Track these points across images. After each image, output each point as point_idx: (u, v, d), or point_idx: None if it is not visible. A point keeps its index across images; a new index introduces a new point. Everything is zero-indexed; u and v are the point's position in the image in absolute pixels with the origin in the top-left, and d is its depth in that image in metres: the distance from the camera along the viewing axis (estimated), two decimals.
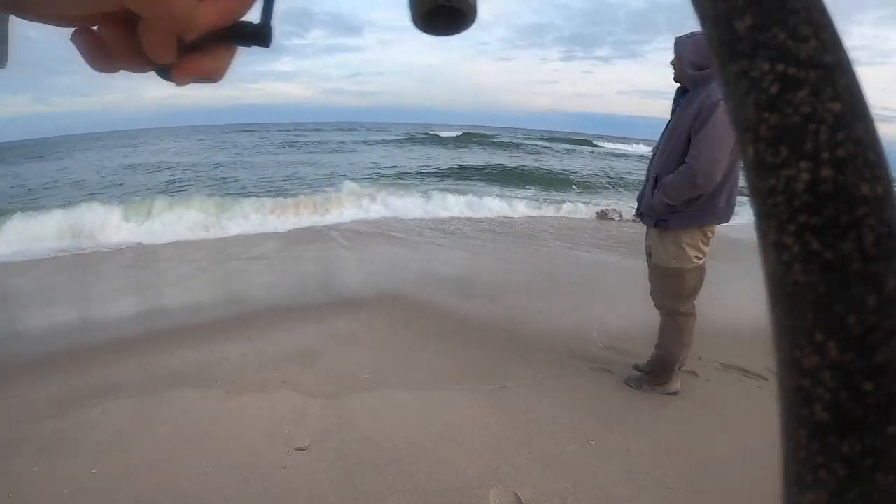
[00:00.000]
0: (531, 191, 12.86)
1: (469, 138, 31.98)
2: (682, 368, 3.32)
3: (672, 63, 2.92)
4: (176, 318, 4.34)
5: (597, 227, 8.61)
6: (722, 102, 2.25)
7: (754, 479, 2.30)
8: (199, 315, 4.41)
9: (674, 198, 2.79)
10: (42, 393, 3.12)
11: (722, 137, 2.62)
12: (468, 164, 18.92)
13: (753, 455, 2.56)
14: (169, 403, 2.99)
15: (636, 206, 3.19)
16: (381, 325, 4.21)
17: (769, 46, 0.16)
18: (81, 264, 6.22)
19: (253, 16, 0.35)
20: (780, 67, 0.16)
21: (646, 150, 32.29)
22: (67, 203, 9.28)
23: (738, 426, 2.91)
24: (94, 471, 2.43)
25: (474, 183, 13.73)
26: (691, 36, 2.79)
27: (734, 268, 4.86)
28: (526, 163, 21.13)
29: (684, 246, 2.89)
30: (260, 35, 0.35)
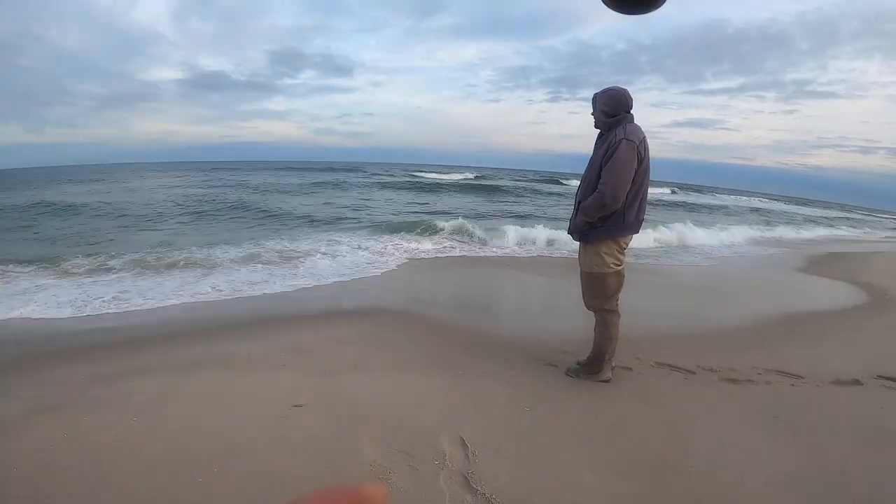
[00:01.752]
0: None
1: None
2: (618, 364, 4.09)
3: (592, 113, 3.74)
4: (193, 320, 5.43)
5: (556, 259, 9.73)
6: (625, 141, 3.12)
7: (667, 450, 3.08)
8: (215, 319, 5.54)
9: (591, 216, 3.59)
10: (86, 371, 3.99)
11: (623, 168, 3.44)
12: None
13: (669, 429, 3.35)
14: (192, 379, 3.82)
15: (568, 227, 3.97)
16: (370, 330, 5.21)
17: None
18: None
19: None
20: None
21: None
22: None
23: (661, 408, 3.64)
24: (134, 419, 3.24)
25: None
26: (604, 91, 3.64)
27: (672, 285, 5.63)
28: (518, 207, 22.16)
29: (603, 255, 3.68)
30: None
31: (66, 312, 5.78)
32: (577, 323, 4.86)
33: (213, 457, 2.83)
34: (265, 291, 6.78)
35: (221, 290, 6.71)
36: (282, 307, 6.13)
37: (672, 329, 5.48)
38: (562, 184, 42.73)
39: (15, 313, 5.70)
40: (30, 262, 8.30)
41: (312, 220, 15.44)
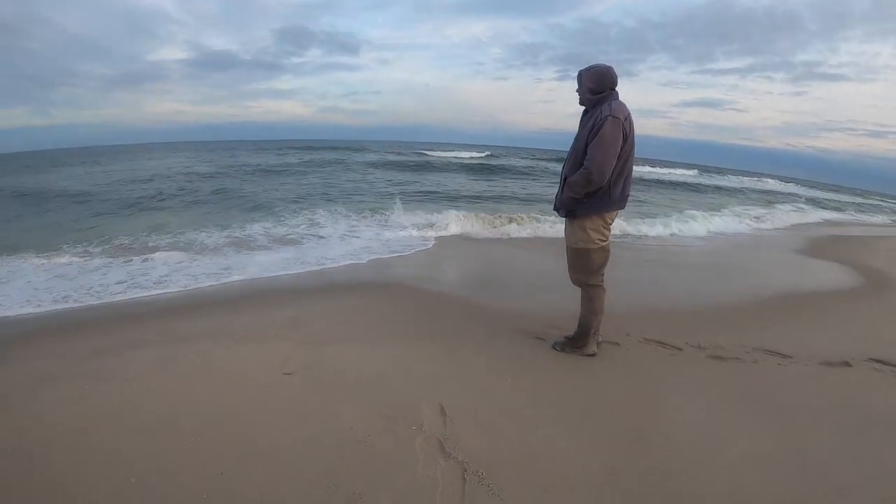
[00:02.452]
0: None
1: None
2: (605, 339, 4.17)
3: (577, 91, 3.77)
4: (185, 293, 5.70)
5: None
6: (610, 118, 3.16)
7: (643, 423, 3.17)
8: (206, 293, 5.82)
9: (577, 192, 3.65)
10: (86, 346, 4.16)
11: (608, 145, 3.49)
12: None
13: (649, 404, 3.44)
14: (187, 350, 4.01)
15: (553, 203, 4.02)
16: (359, 304, 5.40)
17: None
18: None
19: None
20: None
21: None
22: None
23: (644, 383, 3.73)
24: (134, 386, 3.42)
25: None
26: (589, 69, 3.68)
27: (664, 265, 5.68)
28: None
29: (588, 230, 3.75)
30: None
31: (63, 293, 5.87)
32: (566, 299, 4.92)
33: (203, 422, 3.00)
34: (262, 273, 6.86)
35: (222, 272, 6.79)
36: (274, 284, 6.27)
37: (665, 306, 5.54)
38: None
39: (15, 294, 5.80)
40: (30, 246, 8.38)
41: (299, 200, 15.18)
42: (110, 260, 7.41)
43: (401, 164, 31.33)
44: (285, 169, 26.27)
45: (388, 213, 11.80)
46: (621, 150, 3.54)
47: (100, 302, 5.51)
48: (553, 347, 4.15)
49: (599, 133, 3.51)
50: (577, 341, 4.06)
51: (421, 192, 18.55)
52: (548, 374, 3.75)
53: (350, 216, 11.59)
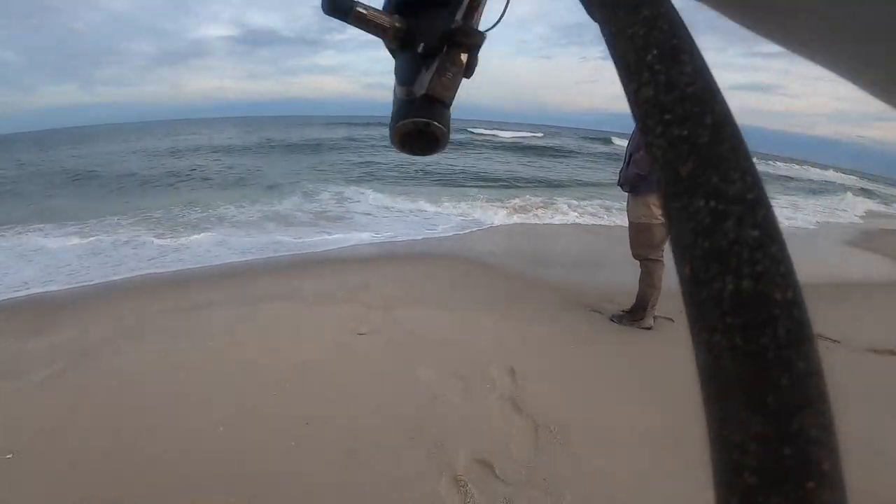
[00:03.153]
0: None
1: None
2: (661, 315, 4.27)
3: None
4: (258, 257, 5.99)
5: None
6: None
7: (691, 397, 3.22)
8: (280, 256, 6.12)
9: (642, 169, 3.77)
10: (158, 306, 4.41)
11: None
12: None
13: (695, 377, 3.46)
14: (262, 310, 4.25)
15: (618, 179, 4.14)
16: (425, 272, 5.63)
17: (705, 187, 0.20)
18: None
19: None
20: (712, 203, 0.19)
21: None
22: None
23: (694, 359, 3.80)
24: (210, 344, 3.66)
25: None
26: None
27: None
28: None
29: (651, 206, 3.87)
30: None
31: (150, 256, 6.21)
32: (616, 276, 5.05)
33: (286, 374, 3.21)
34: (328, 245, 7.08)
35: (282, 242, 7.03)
36: (344, 253, 6.51)
37: None
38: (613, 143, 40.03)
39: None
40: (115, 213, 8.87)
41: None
42: (168, 231, 7.71)
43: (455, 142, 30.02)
44: (334, 144, 26.80)
45: (448, 197, 11.78)
46: None
47: (165, 270, 5.75)
48: (611, 319, 4.29)
49: None
50: (635, 314, 4.18)
51: (478, 172, 18.38)
52: (607, 343, 3.90)
53: (402, 196, 11.75)
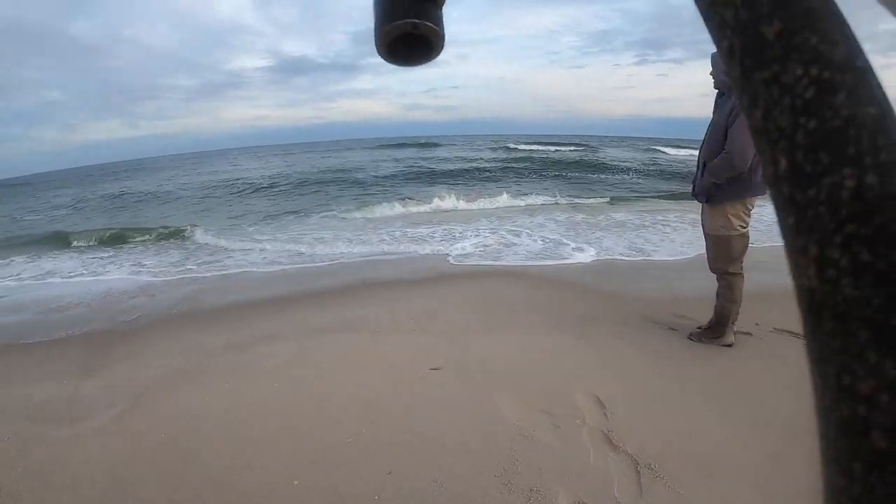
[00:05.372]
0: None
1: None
2: (738, 329, 4.02)
3: (711, 74, 3.67)
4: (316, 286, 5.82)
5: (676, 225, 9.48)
6: None
7: (796, 413, 2.98)
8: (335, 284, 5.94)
9: (718, 177, 3.58)
10: (218, 338, 4.27)
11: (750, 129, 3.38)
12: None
13: (796, 395, 3.25)
14: (325, 343, 4.09)
15: (692, 189, 3.91)
16: (485, 293, 5.40)
17: (802, 50, 0.16)
18: None
19: None
20: (815, 71, 0.16)
21: None
22: None
23: (785, 375, 3.58)
24: (275, 384, 3.47)
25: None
26: None
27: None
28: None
29: (729, 216, 3.66)
30: None
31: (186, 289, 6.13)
32: (693, 289, 4.80)
33: (360, 418, 3.04)
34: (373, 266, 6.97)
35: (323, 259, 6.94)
36: (388, 273, 6.35)
37: (787, 288, 5.27)
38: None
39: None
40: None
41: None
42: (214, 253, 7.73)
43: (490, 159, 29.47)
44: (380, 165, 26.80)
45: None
46: None
47: (224, 297, 5.67)
48: (689, 338, 4.06)
49: (740, 117, 3.45)
50: (714, 331, 3.96)
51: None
52: (690, 363, 3.69)
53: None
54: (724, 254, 3.79)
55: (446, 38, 0.36)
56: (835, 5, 0.17)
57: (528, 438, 2.78)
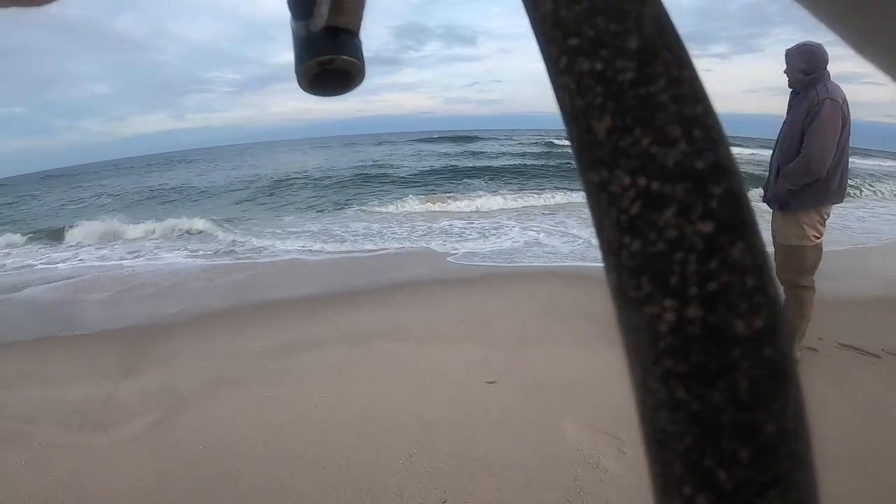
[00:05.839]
0: None
1: None
2: (804, 344, 3.75)
3: (785, 72, 3.43)
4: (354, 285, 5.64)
5: None
6: (828, 101, 2.83)
7: (858, 439, 2.82)
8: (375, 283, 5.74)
9: (794, 183, 3.34)
10: (256, 344, 4.09)
11: (829, 131, 3.22)
12: None
13: (868, 418, 3.09)
14: (371, 352, 3.88)
15: (763, 194, 3.67)
16: (542, 297, 5.10)
17: (630, 154, 0.15)
18: None
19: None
20: (643, 181, 0.14)
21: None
22: None
23: (849, 393, 3.37)
24: (320, 395, 3.28)
25: None
26: (798, 47, 3.38)
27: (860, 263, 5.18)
28: None
29: (803, 225, 3.42)
30: None
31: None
32: None
33: (412, 436, 2.84)
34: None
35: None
36: (428, 272, 6.16)
37: (856, 308, 4.93)
38: None
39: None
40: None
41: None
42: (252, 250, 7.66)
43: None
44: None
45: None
46: (840, 136, 3.25)
47: (263, 294, 5.54)
48: None
49: (818, 118, 3.23)
50: None
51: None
52: None
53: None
54: (796, 265, 3.54)
55: (366, 67, 0.37)
56: (683, 86, 0.15)
57: (592, 466, 2.57)
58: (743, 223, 0.14)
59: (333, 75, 0.36)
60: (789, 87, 3.52)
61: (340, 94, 0.39)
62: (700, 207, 0.14)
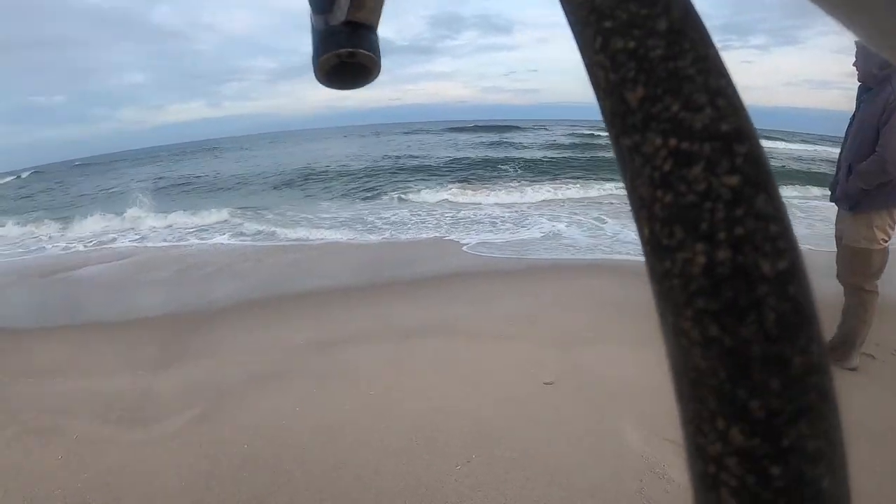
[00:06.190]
0: None
1: None
2: (862, 350, 3.59)
3: (854, 65, 3.25)
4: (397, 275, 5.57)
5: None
6: None
7: None
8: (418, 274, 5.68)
9: (868, 183, 3.18)
10: (300, 336, 3.98)
11: None
12: None
13: None
14: (421, 349, 3.74)
15: (831, 193, 3.51)
16: (594, 293, 4.96)
17: (661, 119, 0.16)
18: None
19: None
20: (673, 142, 0.16)
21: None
22: None
23: None
24: (370, 393, 3.15)
25: None
26: None
27: None
28: None
29: (874, 228, 3.28)
30: None
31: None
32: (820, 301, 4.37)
33: (467, 443, 2.70)
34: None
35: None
36: (472, 262, 6.03)
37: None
38: None
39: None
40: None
41: None
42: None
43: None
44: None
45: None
46: None
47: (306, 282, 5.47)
48: None
49: (894, 116, 3.07)
50: (839, 352, 3.55)
51: None
52: None
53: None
54: (862, 268, 3.38)
55: (382, 63, 0.38)
56: (707, 61, 0.17)
57: (658, 476, 2.44)
58: (765, 178, 0.15)
59: (350, 69, 0.37)
60: (859, 80, 3.36)
61: (355, 87, 0.39)
62: (726, 163, 0.15)
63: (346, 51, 0.35)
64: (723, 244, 0.15)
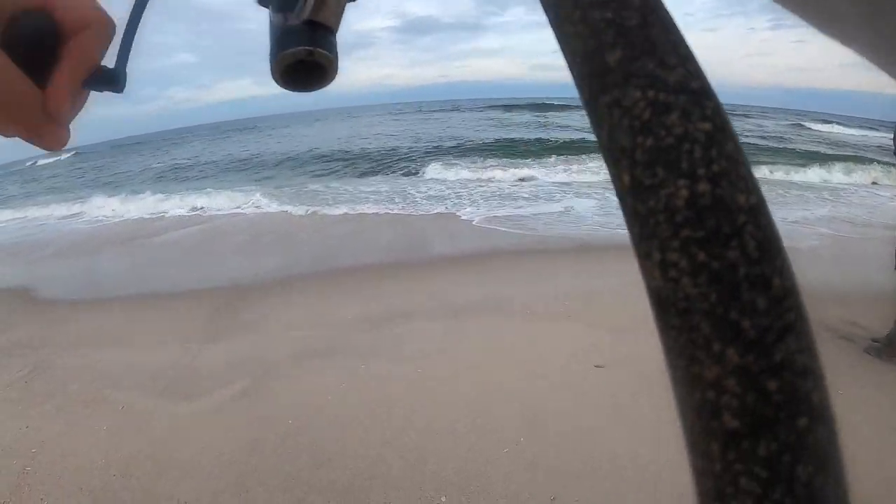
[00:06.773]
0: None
1: None
2: None
3: None
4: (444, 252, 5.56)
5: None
6: None
7: None
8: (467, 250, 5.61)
9: None
10: (346, 312, 3.95)
11: None
12: None
13: None
14: (471, 327, 3.67)
15: None
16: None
17: (640, 75, 0.17)
18: None
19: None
20: (651, 93, 0.17)
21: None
22: None
23: None
24: (418, 372, 3.11)
25: None
26: None
27: None
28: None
29: None
30: (114, 80, 0.37)
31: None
32: (858, 286, 4.32)
33: (516, 422, 2.64)
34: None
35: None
36: (521, 240, 5.93)
37: None
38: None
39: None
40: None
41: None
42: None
43: None
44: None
45: None
46: None
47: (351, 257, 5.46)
48: (866, 352, 3.51)
49: None
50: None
51: None
52: (868, 383, 3.19)
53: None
54: None
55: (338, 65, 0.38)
56: (675, 34, 0.18)
57: None
58: (731, 130, 0.17)
59: (307, 68, 0.36)
60: None
61: (309, 90, 0.39)
62: (699, 113, 0.17)
63: (306, 49, 0.35)
64: (702, 178, 0.16)
